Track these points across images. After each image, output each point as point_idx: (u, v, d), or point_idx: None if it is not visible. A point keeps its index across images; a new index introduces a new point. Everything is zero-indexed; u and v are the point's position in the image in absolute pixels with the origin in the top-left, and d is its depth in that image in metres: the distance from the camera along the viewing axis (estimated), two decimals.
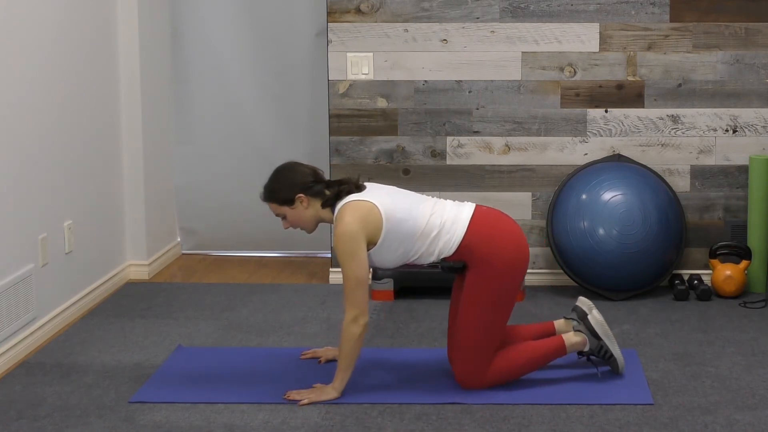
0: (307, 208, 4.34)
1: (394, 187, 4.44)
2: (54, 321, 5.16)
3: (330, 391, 4.25)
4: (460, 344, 4.34)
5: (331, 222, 4.36)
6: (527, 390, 4.33)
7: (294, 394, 4.25)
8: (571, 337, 4.46)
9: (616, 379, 4.45)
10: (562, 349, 4.45)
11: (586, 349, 4.47)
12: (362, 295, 4.20)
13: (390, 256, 4.33)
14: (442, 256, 4.33)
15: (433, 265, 4.41)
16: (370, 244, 4.27)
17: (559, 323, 4.61)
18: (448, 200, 4.43)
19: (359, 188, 4.35)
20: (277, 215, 4.40)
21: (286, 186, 4.33)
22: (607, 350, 4.46)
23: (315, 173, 4.39)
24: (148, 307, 5.54)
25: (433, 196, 4.51)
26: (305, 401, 4.21)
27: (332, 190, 4.35)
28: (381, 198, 4.30)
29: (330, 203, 4.34)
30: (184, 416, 4.11)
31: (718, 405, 4.20)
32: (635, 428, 3.99)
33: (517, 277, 4.34)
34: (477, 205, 4.41)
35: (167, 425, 4.04)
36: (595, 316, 4.47)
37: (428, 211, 4.34)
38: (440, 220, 4.32)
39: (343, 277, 4.22)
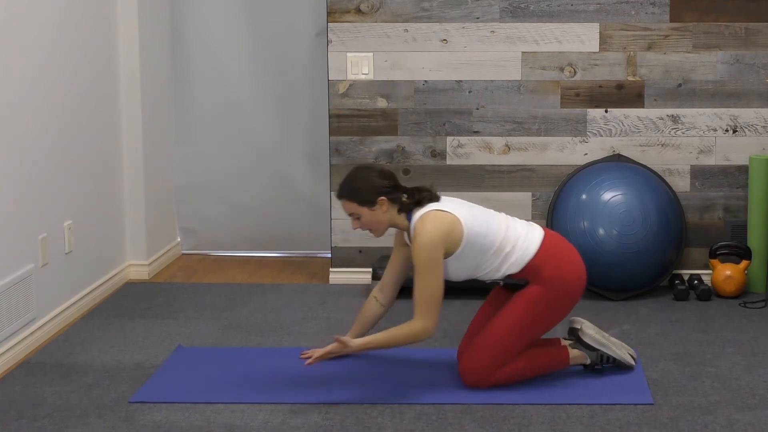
0: (386, 212, 4.31)
1: (466, 201, 4.43)
2: (54, 321, 5.17)
3: (350, 345, 4.24)
4: (484, 339, 4.35)
5: (404, 228, 4.34)
6: (527, 390, 4.33)
7: (310, 352, 4.28)
8: (573, 352, 4.51)
9: (616, 379, 4.45)
10: (565, 361, 4.48)
11: (588, 362, 4.49)
12: (437, 309, 4.21)
13: (462, 268, 4.33)
14: (508, 273, 4.34)
15: (494, 282, 4.40)
16: (446, 254, 4.27)
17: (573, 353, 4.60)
18: (516, 218, 4.45)
19: (437, 198, 4.34)
20: (349, 214, 4.35)
21: (369, 187, 4.29)
22: (609, 357, 4.49)
23: (394, 177, 4.37)
24: (148, 307, 5.54)
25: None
26: (320, 353, 4.24)
27: (411, 198, 4.32)
28: (461, 210, 4.30)
29: (407, 209, 4.32)
30: (184, 416, 4.11)
31: (718, 405, 4.20)
32: (635, 428, 3.99)
33: (571, 306, 4.39)
34: (545, 228, 4.46)
35: (167, 425, 4.04)
36: (585, 331, 4.48)
37: (503, 226, 4.34)
38: (515, 235, 4.33)
39: (419, 287, 4.21)
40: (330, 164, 5.92)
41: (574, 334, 4.51)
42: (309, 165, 6.60)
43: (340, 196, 4.34)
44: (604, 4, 5.73)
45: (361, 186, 4.29)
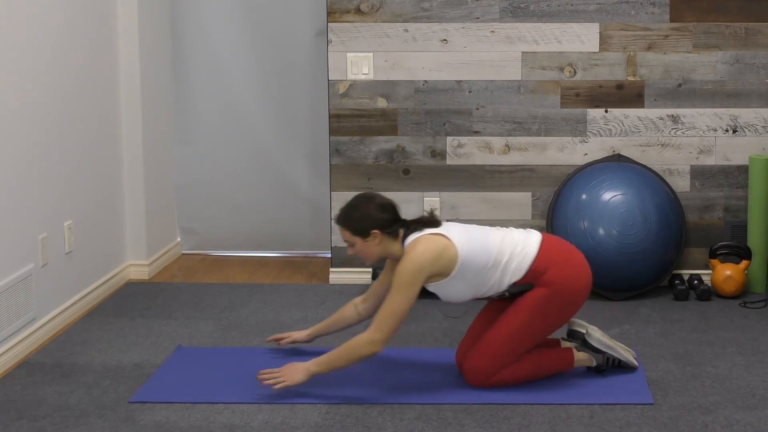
0: (378, 245, 4.31)
1: (464, 224, 4.42)
2: (54, 321, 5.16)
3: (301, 371, 4.22)
4: (488, 340, 4.35)
5: (398, 256, 4.33)
6: (527, 390, 4.33)
7: (266, 375, 4.26)
8: (578, 354, 4.50)
9: (616, 379, 4.45)
10: (570, 363, 4.48)
11: (593, 365, 4.49)
12: (393, 327, 4.20)
13: (464, 288, 4.32)
14: (512, 282, 4.34)
15: (501, 296, 4.39)
16: (441, 276, 4.27)
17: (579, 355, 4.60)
18: (513, 228, 4.45)
19: (437, 223, 4.34)
20: (344, 241, 4.36)
21: (366, 219, 4.30)
22: (615, 359, 4.49)
23: (394, 211, 4.36)
24: (148, 307, 5.54)
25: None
26: (279, 387, 4.21)
27: (409, 231, 4.32)
28: (455, 233, 4.29)
29: (404, 238, 4.32)
30: (184, 416, 4.11)
31: (718, 405, 4.20)
32: (635, 428, 3.99)
33: (576, 308, 4.39)
34: (544, 233, 4.45)
35: (167, 425, 4.04)
36: (591, 334, 4.48)
37: (499, 237, 4.34)
38: (511, 243, 4.33)
39: (386, 301, 4.21)
40: (330, 164, 5.92)
41: (578, 338, 4.50)
42: (309, 165, 6.60)
43: (337, 222, 4.37)
44: (604, 4, 5.73)
45: (358, 217, 4.31)
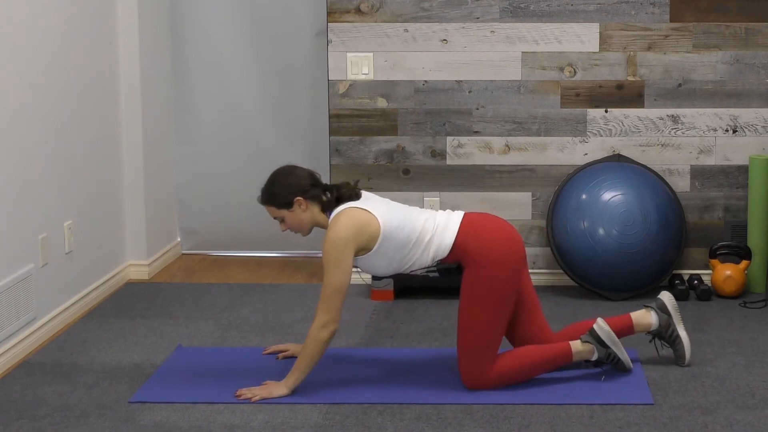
0: (305, 211, 4.35)
1: (385, 198, 4.48)
2: (54, 321, 5.16)
3: (281, 388, 4.26)
4: (462, 344, 4.34)
5: (326, 227, 4.36)
6: (527, 390, 4.33)
7: (245, 392, 4.26)
8: (578, 346, 4.48)
9: (616, 379, 4.45)
10: (569, 355, 4.46)
11: (594, 358, 4.48)
12: (337, 303, 4.22)
13: (386, 262, 4.35)
14: (437, 259, 4.35)
15: (430, 271, 4.41)
16: (364, 250, 4.29)
17: (638, 313, 4.63)
18: (439, 211, 4.47)
19: (357, 195, 4.37)
20: (274, 218, 4.41)
21: (285, 189, 4.35)
22: (615, 356, 4.49)
23: (312, 176, 4.41)
24: (148, 307, 5.54)
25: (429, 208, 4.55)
26: (256, 398, 4.22)
27: (331, 195, 4.36)
28: (378, 207, 4.32)
29: (329, 207, 4.35)
30: (184, 416, 4.11)
31: (718, 405, 4.20)
32: (635, 428, 3.99)
33: (511, 272, 4.34)
34: (471, 213, 4.46)
35: (167, 425, 4.04)
36: (601, 326, 4.47)
37: (422, 217, 4.37)
38: (433, 223, 4.36)
39: (324, 282, 4.24)
40: (330, 164, 5.92)
41: (661, 308, 4.54)
42: (309, 165, 6.56)
43: (261, 202, 4.41)
44: (604, 4, 5.73)
45: (277, 190, 4.35)
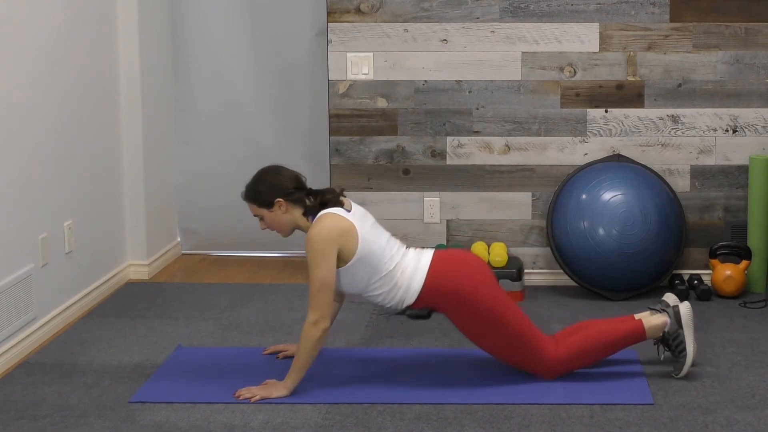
0: (285, 213, 4.36)
1: (375, 221, 4.46)
2: (54, 321, 5.16)
3: (281, 389, 4.26)
4: (504, 359, 4.41)
5: (306, 228, 4.37)
6: (527, 390, 4.33)
7: (244, 392, 4.26)
8: (651, 320, 4.45)
9: (616, 379, 4.45)
10: (641, 333, 4.43)
11: (665, 329, 4.43)
12: (326, 299, 4.22)
13: (352, 283, 4.35)
14: (406, 304, 4.37)
15: (401, 313, 4.41)
16: (340, 261, 4.29)
17: (641, 315, 4.59)
18: (410, 249, 4.46)
19: (341, 203, 4.38)
20: (254, 215, 4.43)
21: (268, 189, 4.37)
22: (682, 341, 4.43)
23: (298, 180, 4.42)
24: (148, 307, 5.54)
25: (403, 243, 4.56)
26: (256, 398, 4.23)
27: (314, 200, 4.37)
28: (362, 224, 4.33)
29: (311, 212, 4.35)
30: (184, 416, 4.11)
31: (718, 405, 4.20)
32: (635, 428, 3.99)
33: (484, 287, 4.35)
34: (435, 250, 4.45)
35: (167, 425, 4.04)
36: (685, 306, 4.45)
37: (398, 255, 4.36)
38: (404, 264, 4.35)
39: (310, 279, 4.24)
40: (330, 164, 5.92)
41: (667, 305, 4.48)
42: (309, 165, 6.60)
43: (243, 198, 4.43)
44: (604, 4, 5.73)
45: (261, 188, 4.38)
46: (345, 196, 4.42)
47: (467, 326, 4.35)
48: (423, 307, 4.37)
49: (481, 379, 4.45)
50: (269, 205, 4.36)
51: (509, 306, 4.37)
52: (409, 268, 4.35)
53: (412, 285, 4.33)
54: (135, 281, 6.06)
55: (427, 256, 4.40)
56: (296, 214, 4.37)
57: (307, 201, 4.38)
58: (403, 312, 4.36)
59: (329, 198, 4.37)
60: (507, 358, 4.39)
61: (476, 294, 4.31)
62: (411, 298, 4.35)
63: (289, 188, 4.37)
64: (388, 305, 4.40)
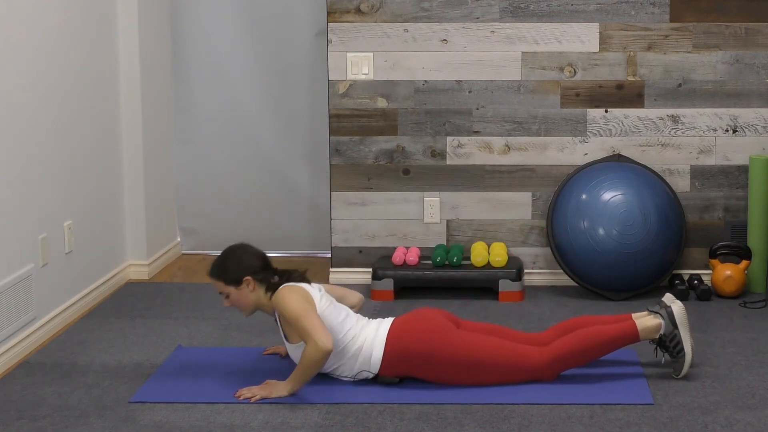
0: (252, 291, 4.38)
1: (335, 300, 4.49)
2: (54, 321, 5.16)
3: (281, 389, 4.26)
4: (490, 381, 4.39)
5: (268, 310, 4.40)
6: (527, 390, 4.33)
7: (244, 392, 4.27)
8: (645, 321, 4.45)
9: (616, 379, 4.45)
10: (634, 334, 4.43)
11: (661, 332, 4.44)
12: (320, 328, 4.20)
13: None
14: (372, 373, 4.38)
15: (373, 380, 4.44)
16: (297, 337, 4.31)
17: (638, 315, 4.57)
18: (372, 321, 4.47)
19: (307, 281, 4.44)
20: (220, 293, 4.43)
21: (236, 266, 4.37)
22: (679, 341, 4.43)
23: (264, 258, 4.44)
24: (148, 307, 5.54)
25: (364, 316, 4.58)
26: (256, 398, 4.23)
27: (281, 279, 4.40)
28: (320, 299, 4.35)
29: (272, 290, 4.37)
30: (184, 416, 4.11)
31: (718, 405, 4.20)
32: (635, 428, 3.99)
33: (439, 339, 4.35)
34: (395, 318, 4.47)
35: (167, 425, 4.04)
36: (678, 306, 4.45)
37: (354, 331, 4.37)
38: (358, 344, 4.37)
39: (300, 329, 4.22)
40: (330, 164, 5.92)
41: (662, 306, 4.47)
42: (309, 165, 6.61)
43: (210, 275, 4.43)
44: (604, 4, 5.73)
45: (229, 265, 4.38)
46: (308, 278, 4.46)
47: (443, 378, 4.37)
48: (394, 376, 4.38)
49: None
50: (237, 282, 4.37)
51: (472, 341, 4.38)
52: (368, 339, 4.38)
53: (373, 354, 4.36)
54: (135, 281, 6.06)
55: (386, 325, 4.42)
56: (260, 293, 4.39)
57: (272, 280, 4.39)
58: (374, 380, 4.40)
59: (295, 278, 4.42)
60: (496, 381, 4.38)
61: (434, 350, 4.33)
62: (374, 367, 4.37)
63: (257, 267, 4.39)
64: (352, 376, 4.41)
